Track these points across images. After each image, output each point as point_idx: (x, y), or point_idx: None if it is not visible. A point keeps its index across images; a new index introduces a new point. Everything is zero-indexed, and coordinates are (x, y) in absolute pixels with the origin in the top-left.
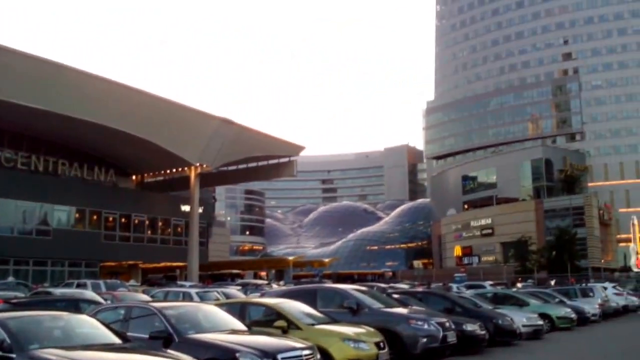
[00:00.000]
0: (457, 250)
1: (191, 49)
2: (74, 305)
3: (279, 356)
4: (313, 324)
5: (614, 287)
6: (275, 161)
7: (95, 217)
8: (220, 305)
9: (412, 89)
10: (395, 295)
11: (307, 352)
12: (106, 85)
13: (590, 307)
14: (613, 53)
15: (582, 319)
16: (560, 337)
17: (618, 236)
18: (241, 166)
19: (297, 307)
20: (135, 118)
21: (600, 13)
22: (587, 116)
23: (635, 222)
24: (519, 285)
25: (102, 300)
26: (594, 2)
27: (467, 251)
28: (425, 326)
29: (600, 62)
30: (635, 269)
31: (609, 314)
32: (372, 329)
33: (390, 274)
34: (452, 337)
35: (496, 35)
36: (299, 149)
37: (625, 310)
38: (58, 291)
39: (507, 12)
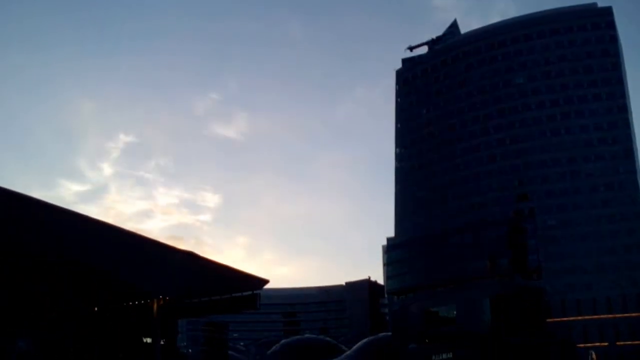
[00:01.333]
0: None
1: None
2: None
3: None
4: None
5: None
6: (238, 294)
7: (55, 348)
8: None
9: (373, 225)
10: None
11: None
12: (67, 216)
13: None
14: (566, 195)
15: None
16: None
17: None
18: (204, 299)
19: None
20: (96, 249)
21: (554, 157)
22: (543, 255)
23: (594, 356)
24: None
25: None
26: (547, 147)
27: None
28: None
29: (555, 203)
30: None
31: None
32: None
33: None
34: None
35: (454, 177)
36: (263, 282)
37: None
38: None
39: (464, 155)
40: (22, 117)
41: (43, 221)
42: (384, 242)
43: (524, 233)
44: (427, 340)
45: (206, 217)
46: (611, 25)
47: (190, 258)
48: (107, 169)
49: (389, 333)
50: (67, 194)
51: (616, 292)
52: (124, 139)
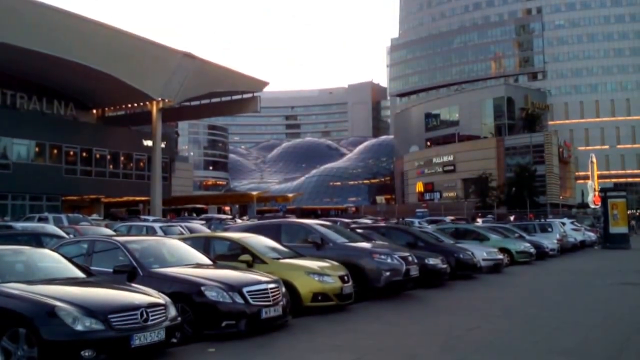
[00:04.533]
0: (419, 187)
1: None
2: (36, 240)
3: (245, 290)
4: (278, 258)
5: (572, 222)
6: (238, 97)
7: (55, 151)
8: (185, 240)
9: (376, 26)
10: (359, 230)
11: (272, 285)
12: (65, 18)
13: (549, 242)
14: None
15: (541, 254)
16: (519, 270)
17: (577, 173)
18: (204, 101)
19: (261, 242)
20: (95, 51)
21: None
22: (549, 55)
23: (594, 159)
24: (479, 221)
25: (64, 235)
26: None
27: (429, 187)
28: (389, 260)
29: (563, 1)
30: (592, 206)
31: (566, 248)
32: (336, 263)
33: (354, 209)
34: (414, 271)
35: None
36: (263, 84)
37: (582, 245)
38: (19, 225)
39: None
40: None
41: (37, 20)
42: (388, 43)
43: (530, 33)
44: (428, 143)
45: None
46: None
47: (188, 58)
48: None
49: (391, 136)
50: None
51: (620, 94)
52: None
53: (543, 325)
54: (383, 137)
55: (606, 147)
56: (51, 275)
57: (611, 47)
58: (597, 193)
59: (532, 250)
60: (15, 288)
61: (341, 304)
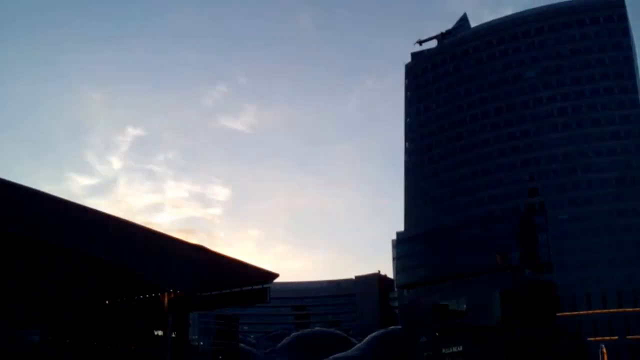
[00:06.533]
0: None
1: None
2: None
3: None
4: None
5: None
6: (248, 288)
7: (67, 340)
8: None
9: (383, 219)
10: None
11: None
12: (79, 211)
13: None
14: (578, 189)
15: None
16: None
17: None
18: (214, 292)
19: None
20: (107, 243)
21: (565, 151)
22: (554, 249)
23: (604, 350)
24: None
25: None
26: (558, 141)
27: None
28: None
29: (566, 197)
30: None
31: None
32: None
33: None
34: None
35: (464, 171)
36: (273, 276)
37: None
38: None
39: (474, 149)
40: (31, 111)
41: (54, 215)
42: (394, 237)
43: (534, 227)
44: (437, 334)
45: (216, 210)
46: (623, 17)
47: (201, 252)
48: (116, 163)
49: (399, 326)
50: (76, 187)
51: (627, 286)
52: (132, 132)
53: None
54: (392, 328)
55: (615, 337)
56: None
57: (615, 240)
58: None
59: None
60: None
61: None
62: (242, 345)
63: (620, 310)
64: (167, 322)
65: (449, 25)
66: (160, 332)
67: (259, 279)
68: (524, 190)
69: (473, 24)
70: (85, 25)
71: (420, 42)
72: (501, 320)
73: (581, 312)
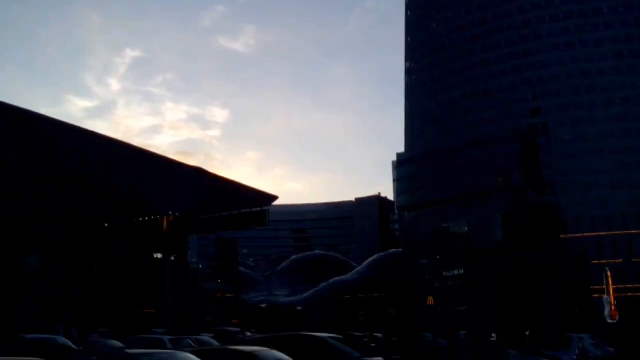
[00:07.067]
0: (430, 300)
1: None
2: (46, 350)
3: None
4: None
5: (590, 337)
6: (247, 210)
7: (67, 262)
8: (196, 353)
9: (384, 140)
10: (372, 345)
11: None
12: (77, 133)
13: (568, 357)
14: (581, 109)
15: None
16: None
17: (591, 287)
18: (214, 215)
19: (275, 356)
20: (106, 166)
21: (568, 70)
22: (557, 170)
23: (608, 273)
24: (494, 335)
25: (74, 346)
26: (561, 61)
27: (440, 300)
28: None
29: (569, 117)
30: (609, 320)
31: None
32: None
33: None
34: None
35: (465, 91)
36: (272, 198)
37: None
38: (30, 336)
39: (475, 69)
40: (29, 33)
41: (53, 138)
42: (394, 158)
43: (537, 148)
44: (438, 257)
45: (215, 132)
46: None
47: (199, 174)
48: (114, 85)
49: (399, 249)
50: (75, 110)
51: (631, 208)
52: (131, 54)
53: None
54: (392, 251)
55: (619, 260)
56: None
57: (620, 161)
58: (614, 307)
59: None
60: None
61: None
62: (241, 268)
63: (624, 232)
64: (166, 245)
65: None
66: (159, 255)
67: (258, 201)
68: (526, 110)
69: None
70: None
71: None
72: (502, 243)
73: (584, 235)
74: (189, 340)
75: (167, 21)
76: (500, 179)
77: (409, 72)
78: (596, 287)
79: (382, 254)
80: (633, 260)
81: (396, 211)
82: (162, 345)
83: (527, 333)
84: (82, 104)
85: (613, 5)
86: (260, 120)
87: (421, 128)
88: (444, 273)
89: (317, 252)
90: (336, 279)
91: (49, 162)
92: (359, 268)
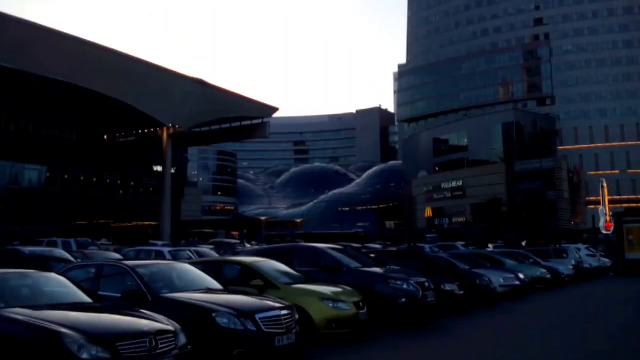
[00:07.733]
0: (428, 212)
1: (162, 7)
2: (43, 264)
3: (257, 316)
4: (290, 284)
5: (587, 248)
6: (247, 122)
7: (66, 176)
8: (195, 264)
9: (384, 52)
10: (372, 255)
11: (285, 312)
12: (75, 44)
13: (565, 268)
14: (584, 19)
15: (557, 280)
16: (538, 297)
17: (587, 199)
18: (214, 127)
19: (273, 266)
20: (106, 77)
21: None
22: (558, 81)
23: (604, 184)
24: (490, 246)
25: (72, 259)
26: None
27: (438, 212)
28: (405, 286)
29: (571, 27)
30: (604, 231)
31: (582, 275)
32: (350, 289)
33: (362, 234)
34: (431, 297)
35: (468, 0)
36: (272, 110)
37: (597, 272)
38: (27, 249)
39: None
40: None
41: (51, 49)
42: (396, 69)
43: (538, 59)
44: (437, 168)
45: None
46: None
47: (200, 85)
48: None
49: (399, 161)
50: None
51: (630, 119)
52: None
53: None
54: (392, 163)
55: (617, 172)
56: (57, 300)
57: (620, 72)
58: (609, 218)
59: (549, 276)
60: (19, 313)
61: (356, 332)
62: (241, 181)
63: (622, 144)
64: (166, 157)
65: None
66: (159, 168)
67: (258, 113)
68: (529, 20)
69: None
70: None
71: None
72: (502, 154)
73: (583, 146)
74: (188, 252)
75: None
76: (501, 89)
77: None
78: (592, 198)
79: (381, 165)
80: (629, 171)
81: (396, 123)
82: (161, 257)
83: (523, 244)
84: None
85: None
86: (259, 32)
87: (424, 39)
88: (442, 185)
89: (317, 164)
90: (335, 191)
91: (47, 73)
92: (358, 180)
